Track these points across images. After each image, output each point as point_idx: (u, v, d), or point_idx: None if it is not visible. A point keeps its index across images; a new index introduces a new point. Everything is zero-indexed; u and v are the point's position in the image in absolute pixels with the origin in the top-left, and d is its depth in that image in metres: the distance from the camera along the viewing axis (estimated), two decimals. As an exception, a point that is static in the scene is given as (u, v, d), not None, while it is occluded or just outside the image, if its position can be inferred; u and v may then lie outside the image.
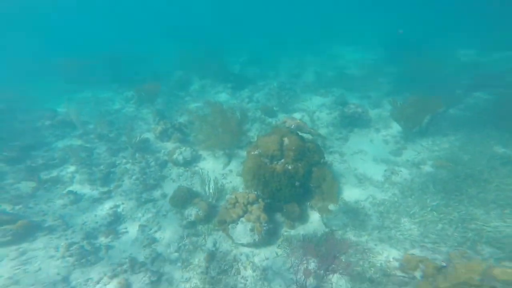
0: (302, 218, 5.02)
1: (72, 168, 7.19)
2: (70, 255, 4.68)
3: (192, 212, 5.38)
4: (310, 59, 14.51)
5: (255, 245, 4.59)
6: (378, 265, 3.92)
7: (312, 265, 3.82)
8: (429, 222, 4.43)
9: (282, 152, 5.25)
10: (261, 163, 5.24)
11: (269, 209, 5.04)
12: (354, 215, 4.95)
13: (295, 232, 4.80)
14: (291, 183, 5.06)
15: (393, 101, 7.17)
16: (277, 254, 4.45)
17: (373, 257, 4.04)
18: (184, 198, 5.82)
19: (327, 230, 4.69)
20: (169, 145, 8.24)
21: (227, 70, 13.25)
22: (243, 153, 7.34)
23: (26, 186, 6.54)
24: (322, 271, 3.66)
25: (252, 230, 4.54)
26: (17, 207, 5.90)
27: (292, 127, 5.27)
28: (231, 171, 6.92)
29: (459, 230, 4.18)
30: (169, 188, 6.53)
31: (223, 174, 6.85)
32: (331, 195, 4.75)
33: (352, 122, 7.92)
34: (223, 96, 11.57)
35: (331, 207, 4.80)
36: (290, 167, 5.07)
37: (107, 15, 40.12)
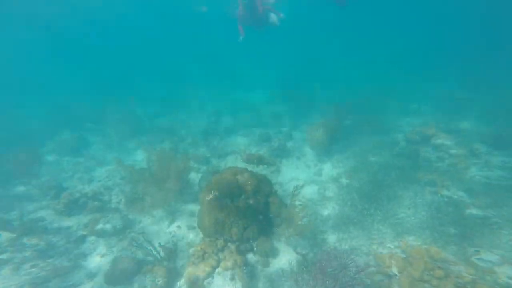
0: (273, 251, 5.09)
1: None
2: None
3: (146, 284, 4.33)
4: (221, 105, 15.71)
5: (237, 295, 4.20)
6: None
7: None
8: (368, 224, 5.59)
9: (240, 189, 5.35)
10: (222, 205, 5.10)
11: (240, 252, 4.84)
12: (314, 234, 5.53)
13: (272, 268, 4.77)
14: (256, 218, 5.15)
15: (307, 130, 8.94)
16: (262, 297, 4.24)
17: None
18: (128, 271, 4.63)
19: (299, 256, 4.97)
20: (84, 218, 6.68)
21: (137, 123, 12.30)
22: (187, 206, 6.83)
23: None
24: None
25: (232, 278, 4.18)
26: None
27: (255, 161, 5.58)
28: (179, 227, 6.18)
29: (388, 225, 5.51)
30: (97, 265, 5.07)
31: (170, 233, 6.01)
32: (298, 222, 5.15)
33: (279, 154, 9.05)
34: (140, 154, 10.50)
35: (299, 233, 5.15)
36: (251, 201, 5.20)
37: None
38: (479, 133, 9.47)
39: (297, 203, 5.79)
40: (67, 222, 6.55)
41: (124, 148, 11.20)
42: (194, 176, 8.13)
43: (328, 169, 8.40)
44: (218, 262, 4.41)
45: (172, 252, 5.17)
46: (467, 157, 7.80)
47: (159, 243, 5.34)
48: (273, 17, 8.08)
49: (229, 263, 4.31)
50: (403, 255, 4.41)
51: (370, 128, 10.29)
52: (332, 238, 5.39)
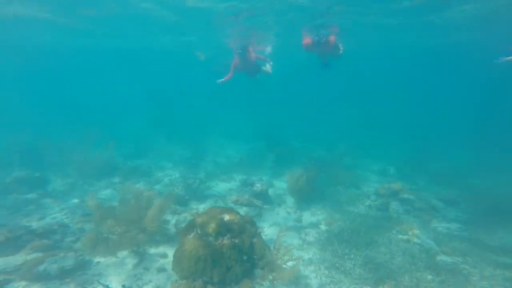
0: (255, 297, 4.69)
1: None
2: None
3: None
4: (203, 149, 15.88)
5: None
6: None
7: None
8: (349, 269, 5.52)
9: (226, 227, 5.18)
10: (206, 242, 4.82)
11: (220, 297, 4.38)
12: (297, 279, 5.28)
13: (255, 317, 4.31)
14: (240, 258, 4.87)
15: (288, 179, 9.28)
16: None
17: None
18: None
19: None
20: (19, 258, 5.63)
21: (108, 164, 11.70)
22: (159, 248, 6.27)
23: None
24: None
25: (213, 327, 3.69)
26: None
27: (244, 203, 5.62)
28: (146, 269, 5.51)
29: (369, 270, 5.48)
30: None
31: (135, 275, 5.29)
32: (283, 266, 4.93)
33: (261, 199, 9.05)
34: (108, 193, 9.79)
35: (283, 277, 4.88)
36: (237, 241, 4.99)
37: None
38: (434, 191, 10.69)
39: (281, 246, 5.65)
40: (-4, 262, 5.41)
41: (90, 188, 10.28)
42: (169, 218, 7.65)
43: (308, 215, 8.52)
44: (197, 307, 3.91)
45: (139, 298, 4.48)
46: (429, 210, 8.60)
47: (123, 285, 4.63)
48: (267, 66, 9.21)
49: (210, 308, 3.85)
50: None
51: (344, 181, 11.05)
52: (315, 283, 5.18)
